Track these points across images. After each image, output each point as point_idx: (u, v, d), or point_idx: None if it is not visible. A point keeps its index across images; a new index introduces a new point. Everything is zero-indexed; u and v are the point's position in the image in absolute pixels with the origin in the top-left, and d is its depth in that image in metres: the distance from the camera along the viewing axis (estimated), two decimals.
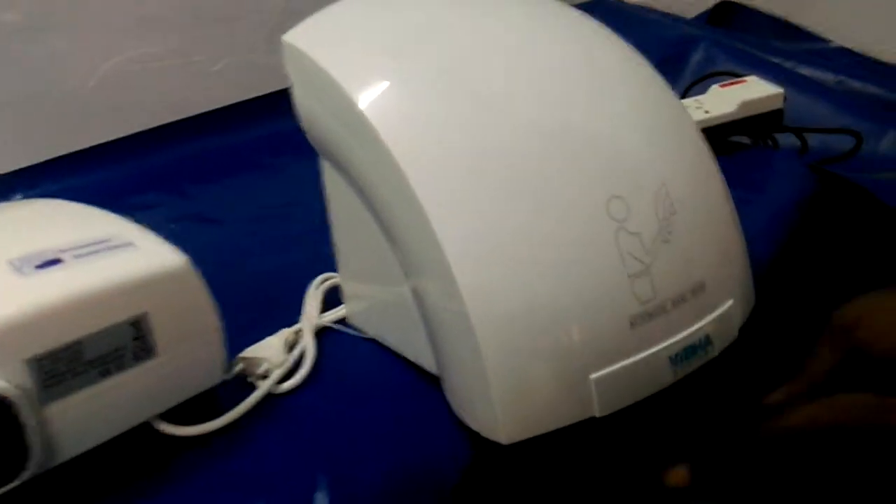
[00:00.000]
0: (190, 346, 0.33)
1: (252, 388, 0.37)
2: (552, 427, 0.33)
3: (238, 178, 0.65)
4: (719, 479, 0.33)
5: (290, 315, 0.43)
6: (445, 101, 0.35)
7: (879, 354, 0.36)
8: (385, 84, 0.34)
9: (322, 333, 0.43)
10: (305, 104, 0.38)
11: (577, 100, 0.37)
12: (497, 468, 0.34)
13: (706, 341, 0.36)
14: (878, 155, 0.66)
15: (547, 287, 0.33)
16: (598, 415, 0.33)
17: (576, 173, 0.34)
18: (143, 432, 0.33)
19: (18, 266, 0.31)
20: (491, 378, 0.32)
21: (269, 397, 0.37)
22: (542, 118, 0.35)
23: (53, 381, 0.29)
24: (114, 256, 0.32)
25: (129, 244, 0.33)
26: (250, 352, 0.39)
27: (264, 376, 0.38)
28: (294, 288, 0.45)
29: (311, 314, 0.43)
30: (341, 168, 0.37)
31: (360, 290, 0.43)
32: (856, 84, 0.75)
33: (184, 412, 0.34)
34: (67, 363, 0.29)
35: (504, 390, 0.32)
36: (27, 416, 0.28)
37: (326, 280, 0.46)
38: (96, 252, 0.32)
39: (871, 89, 0.74)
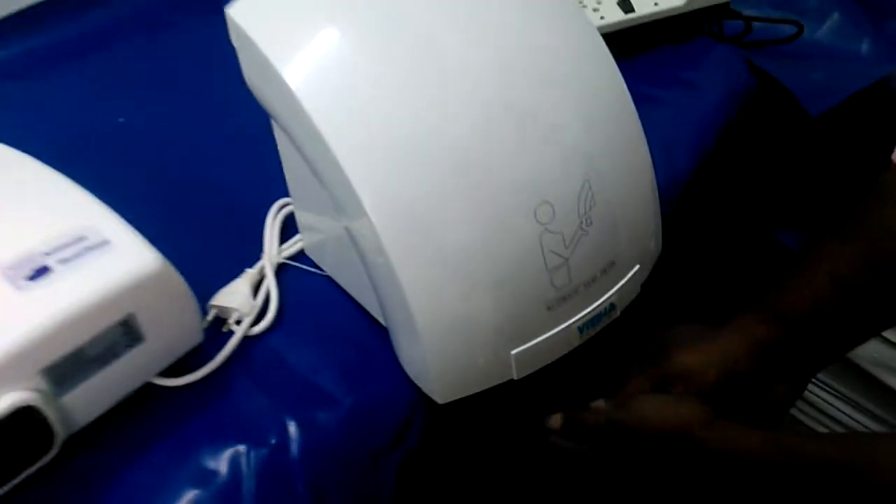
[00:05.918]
0: (172, 326, 0.39)
1: (224, 326, 0.44)
2: (478, 389, 0.41)
3: None
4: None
5: (251, 240, 0.48)
6: (376, 83, 0.36)
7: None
8: (316, 61, 0.36)
9: (281, 270, 0.48)
10: (248, 73, 0.39)
11: (517, 83, 0.39)
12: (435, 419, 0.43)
13: (611, 308, 0.43)
14: (814, 42, 0.69)
15: (477, 284, 0.38)
16: (516, 378, 0.41)
17: (510, 181, 0.38)
18: (142, 388, 0.40)
19: (12, 277, 0.35)
20: (427, 355, 0.39)
21: (242, 341, 0.44)
22: (477, 102, 0.37)
23: (63, 380, 0.35)
24: (96, 260, 0.36)
25: (105, 243, 0.37)
26: (221, 298, 0.44)
27: (237, 322, 0.44)
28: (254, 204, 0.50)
29: (271, 252, 0.47)
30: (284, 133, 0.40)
31: (311, 222, 0.47)
32: None
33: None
34: (73, 364, 0.35)
35: (439, 364, 0.39)
36: (48, 411, 0.34)
37: (284, 206, 0.50)
38: (78, 256, 0.36)
39: None
